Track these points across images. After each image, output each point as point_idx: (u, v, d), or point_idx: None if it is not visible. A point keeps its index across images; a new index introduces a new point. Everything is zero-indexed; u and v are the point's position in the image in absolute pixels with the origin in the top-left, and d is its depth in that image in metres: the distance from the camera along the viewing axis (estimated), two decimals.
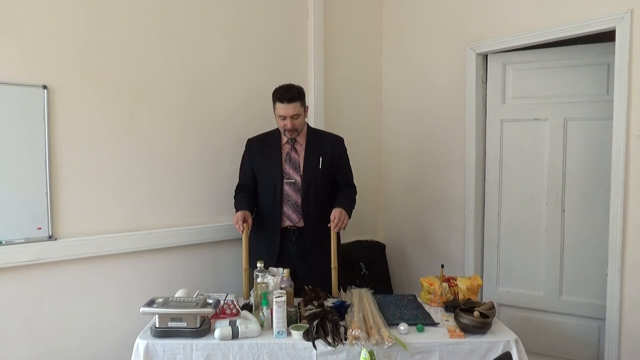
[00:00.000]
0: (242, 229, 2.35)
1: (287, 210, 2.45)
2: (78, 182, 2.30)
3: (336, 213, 2.34)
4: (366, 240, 3.40)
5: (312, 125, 2.87)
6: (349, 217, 2.42)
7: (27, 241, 2.16)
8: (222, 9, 2.72)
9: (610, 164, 2.36)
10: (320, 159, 2.47)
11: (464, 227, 3.01)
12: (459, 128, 3.00)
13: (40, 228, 2.19)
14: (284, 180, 2.46)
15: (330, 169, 2.51)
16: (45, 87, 2.18)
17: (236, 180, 2.60)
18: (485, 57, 2.92)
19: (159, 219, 2.55)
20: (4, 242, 2.11)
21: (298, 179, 2.46)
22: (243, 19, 2.80)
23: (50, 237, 2.22)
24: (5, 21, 2.08)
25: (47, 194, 2.20)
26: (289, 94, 2.36)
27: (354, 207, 2.53)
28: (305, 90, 2.48)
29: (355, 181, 2.64)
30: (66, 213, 2.27)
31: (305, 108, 2.47)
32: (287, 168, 2.47)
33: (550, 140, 2.75)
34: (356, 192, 2.61)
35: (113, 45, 2.36)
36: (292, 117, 2.37)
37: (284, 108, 2.36)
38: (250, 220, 2.40)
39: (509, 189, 2.91)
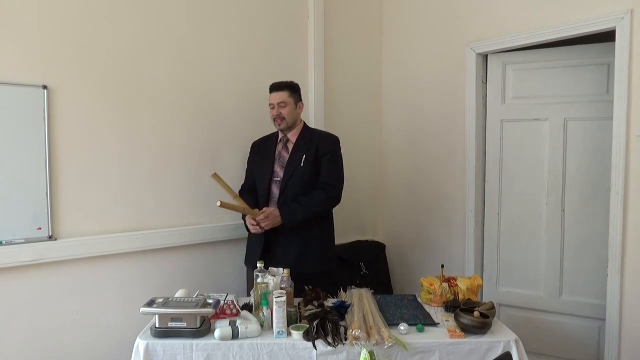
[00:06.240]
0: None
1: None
2: (78, 182, 2.30)
3: (267, 212, 2.32)
4: (366, 240, 3.40)
5: (312, 125, 2.87)
6: (298, 221, 2.34)
7: (27, 241, 2.16)
8: (222, 10, 2.72)
9: (610, 164, 2.36)
10: (304, 157, 2.43)
11: (464, 227, 3.01)
12: (459, 128, 3.00)
13: (40, 228, 2.19)
14: (272, 179, 2.47)
15: (313, 167, 2.44)
16: (45, 87, 2.18)
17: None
18: (485, 57, 2.92)
19: (159, 219, 2.55)
20: (4, 242, 2.11)
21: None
22: (243, 19, 2.80)
23: (50, 237, 2.22)
24: (5, 21, 2.08)
25: (47, 194, 2.20)
26: (277, 83, 2.48)
27: (311, 214, 2.37)
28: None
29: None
30: (66, 213, 2.27)
31: (296, 102, 2.49)
32: (276, 167, 2.48)
33: (550, 140, 2.75)
34: (331, 196, 2.44)
35: (113, 46, 2.36)
36: (278, 104, 2.44)
37: (271, 96, 2.47)
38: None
39: (509, 189, 2.91)
